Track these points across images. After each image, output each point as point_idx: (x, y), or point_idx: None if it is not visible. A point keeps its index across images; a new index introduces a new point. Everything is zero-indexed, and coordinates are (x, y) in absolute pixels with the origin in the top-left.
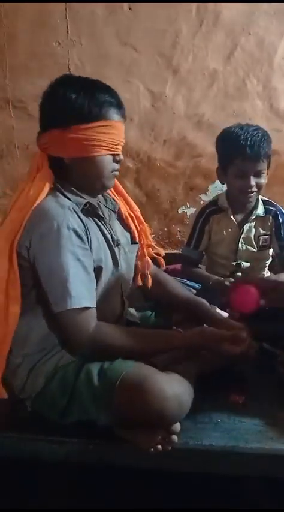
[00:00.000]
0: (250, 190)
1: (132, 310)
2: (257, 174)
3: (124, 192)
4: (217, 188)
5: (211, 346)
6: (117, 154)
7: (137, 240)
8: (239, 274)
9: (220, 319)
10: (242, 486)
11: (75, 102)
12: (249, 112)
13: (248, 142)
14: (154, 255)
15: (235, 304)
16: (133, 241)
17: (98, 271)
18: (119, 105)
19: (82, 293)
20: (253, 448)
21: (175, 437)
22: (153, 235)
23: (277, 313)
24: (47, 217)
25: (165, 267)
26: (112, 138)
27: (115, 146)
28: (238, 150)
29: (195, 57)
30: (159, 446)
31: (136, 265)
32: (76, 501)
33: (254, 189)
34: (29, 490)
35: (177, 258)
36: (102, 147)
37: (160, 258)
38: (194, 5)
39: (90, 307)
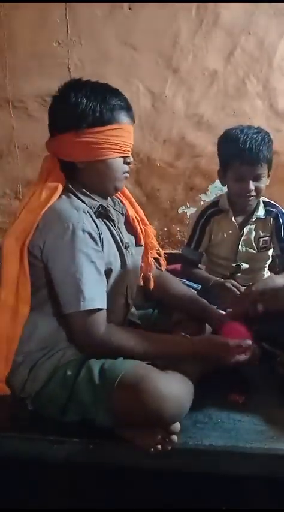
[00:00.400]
0: (248, 194)
1: (133, 309)
2: (256, 178)
3: (129, 194)
4: (217, 188)
5: (218, 355)
6: (127, 156)
7: (142, 242)
8: (239, 274)
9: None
10: (242, 486)
11: (87, 106)
12: (249, 112)
13: (247, 146)
14: (157, 256)
15: None
16: (138, 244)
17: (108, 273)
18: (129, 108)
19: (95, 294)
20: (253, 448)
21: (175, 437)
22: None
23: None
24: (61, 219)
25: (165, 266)
26: (123, 140)
27: (126, 148)
28: (237, 153)
29: (194, 57)
30: (159, 446)
31: (140, 267)
32: (77, 501)
33: (253, 193)
34: (29, 490)
35: (176, 258)
36: (113, 150)
37: (161, 258)
38: (194, 5)
39: (101, 309)
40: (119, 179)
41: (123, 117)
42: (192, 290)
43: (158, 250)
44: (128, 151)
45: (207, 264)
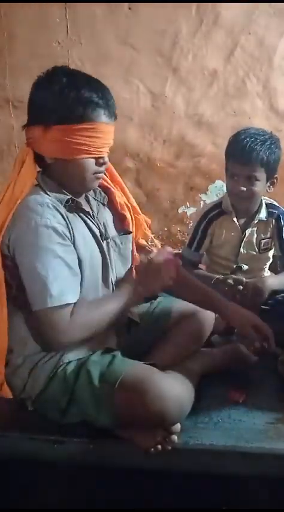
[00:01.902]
0: (237, 194)
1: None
2: (249, 180)
3: (121, 181)
4: (217, 188)
5: (153, 277)
6: (100, 157)
7: (131, 229)
8: (240, 274)
9: (233, 316)
10: (242, 486)
11: (58, 100)
12: (249, 112)
13: (241, 144)
14: (146, 244)
15: None
16: (127, 231)
17: (83, 266)
18: (108, 105)
19: (65, 289)
20: (254, 448)
21: (175, 437)
22: (153, 235)
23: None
24: (24, 216)
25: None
26: (95, 141)
27: (99, 149)
28: (231, 150)
29: (194, 57)
30: (159, 446)
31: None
32: (77, 501)
33: (244, 194)
34: (29, 490)
35: None
36: (83, 151)
37: (156, 246)
38: (194, 5)
39: (69, 304)
40: (89, 180)
41: (98, 115)
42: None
43: (152, 240)
44: (101, 152)
45: (207, 263)
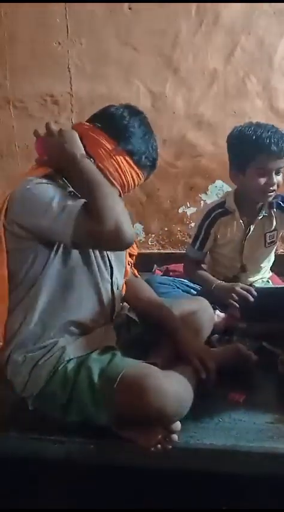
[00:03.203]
0: (271, 188)
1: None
2: (278, 172)
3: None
4: (217, 188)
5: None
6: (120, 195)
7: None
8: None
9: (184, 342)
10: (242, 486)
11: (138, 141)
12: (249, 112)
13: (273, 140)
14: (131, 262)
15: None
16: None
17: (87, 263)
18: (153, 170)
19: (68, 203)
20: (254, 447)
21: (175, 436)
22: (153, 235)
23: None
24: (30, 188)
25: (137, 274)
26: (132, 186)
27: (125, 192)
28: (263, 146)
29: (194, 57)
30: (160, 446)
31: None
32: (77, 501)
33: (275, 187)
34: (29, 489)
35: (177, 257)
36: (119, 184)
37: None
38: (194, 5)
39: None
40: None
41: (147, 173)
42: (192, 291)
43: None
44: (123, 194)
45: (209, 264)
